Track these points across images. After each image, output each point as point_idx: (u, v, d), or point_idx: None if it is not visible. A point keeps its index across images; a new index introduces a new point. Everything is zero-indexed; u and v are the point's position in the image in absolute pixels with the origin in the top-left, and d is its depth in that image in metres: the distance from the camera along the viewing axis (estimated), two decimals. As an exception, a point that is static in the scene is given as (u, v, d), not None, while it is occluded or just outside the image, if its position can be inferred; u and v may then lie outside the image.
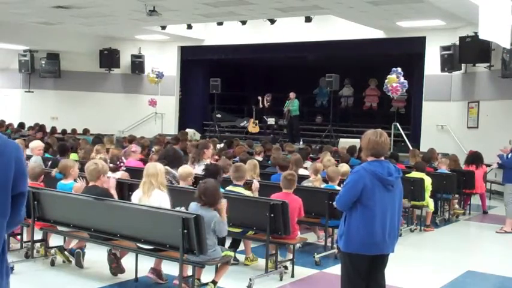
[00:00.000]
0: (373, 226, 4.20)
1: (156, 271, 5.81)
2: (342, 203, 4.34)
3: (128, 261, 6.07)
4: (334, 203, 4.53)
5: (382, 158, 4.35)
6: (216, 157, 9.75)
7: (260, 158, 10.65)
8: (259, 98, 19.78)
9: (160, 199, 5.64)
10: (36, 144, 9.44)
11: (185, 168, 6.92)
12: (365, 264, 4.30)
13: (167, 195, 5.72)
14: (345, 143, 14.68)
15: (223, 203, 5.39)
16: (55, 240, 6.75)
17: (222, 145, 12.40)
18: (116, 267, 5.96)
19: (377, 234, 4.22)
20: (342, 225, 4.38)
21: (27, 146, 10.24)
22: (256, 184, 6.77)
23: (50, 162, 9.12)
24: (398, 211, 4.41)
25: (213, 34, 18.53)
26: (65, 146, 10.06)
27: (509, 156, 9.44)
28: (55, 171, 6.98)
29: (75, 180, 6.63)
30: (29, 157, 9.16)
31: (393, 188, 4.29)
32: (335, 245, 6.76)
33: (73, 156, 10.05)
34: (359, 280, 4.33)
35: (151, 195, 5.65)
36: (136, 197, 5.79)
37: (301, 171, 8.69)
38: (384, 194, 4.23)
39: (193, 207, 5.38)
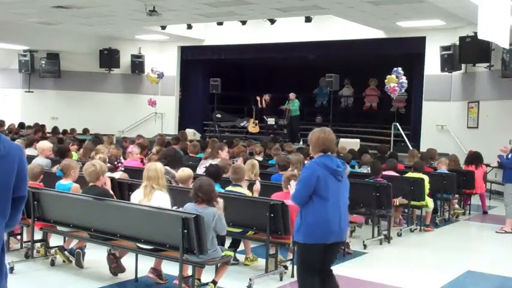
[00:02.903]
0: (329, 215, 4.51)
1: (156, 271, 5.81)
2: (300, 198, 4.61)
3: (127, 261, 6.08)
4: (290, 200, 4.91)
5: (329, 153, 4.69)
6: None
7: (260, 158, 10.65)
8: (258, 98, 19.73)
9: (160, 200, 5.63)
10: (46, 146, 9.12)
11: (184, 172, 6.90)
12: (321, 253, 4.58)
13: (168, 195, 5.72)
14: (345, 143, 14.68)
15: (220, 202, 5.41)
16: (55, 240, 6.75)
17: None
18: (115, 267, 5.96)
19: (333, 222, 4.54)
20: (298, 219, 4.65)
21: (26, 146, 10.19)
22: (257, 186, 6.81)
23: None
24: (347, 201, 4.77)
25: (213, 34, 18.52)
26: (63, 149, 9.49)
27: (510, 156, 9.44)
28: (56, 168, 6.97)
29: (74, 181, 6.61)
30: (30, 157, 9.12)
31: (342, 179, 4.64)
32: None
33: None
34: (314, 268, 4.61)
35: (152, 198, 5.64)
36: (136, 198, 5.78)
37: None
38: (335, 184, 4.58)
39: (190, 207, 5.37)
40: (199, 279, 5.53)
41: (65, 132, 16.39)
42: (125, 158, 9.11)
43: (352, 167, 10.07)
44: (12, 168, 2.77)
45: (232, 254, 6.32)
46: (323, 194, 4.51)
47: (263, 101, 19.61)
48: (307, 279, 4.64)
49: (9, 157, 2.77)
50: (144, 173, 5.81)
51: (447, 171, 10.23)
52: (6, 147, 2.75)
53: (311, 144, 4.75)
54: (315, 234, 4.52)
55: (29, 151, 10.18)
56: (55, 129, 16.43)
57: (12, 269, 5.95)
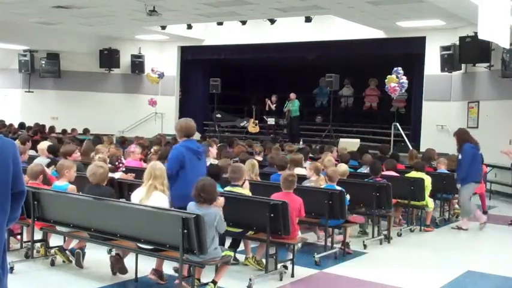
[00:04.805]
0: (191, 185, 5.48)
1: (157, 272, 5.79)
2: (170, 171, 5.88)
3: (128, 261, 6.07)
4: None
5: (192, 138, 6.10)
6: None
7: (260, 158, 10.64)
8: (268, 102, 19.49)
9: (159, 201, 5.60)
10: (46, 146, 9.13)
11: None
12: None
13: (166, 198, 5.71)
14: (345, 143, 14.68)
15: (221, 200, 5.41)
16: (55, 240, 6.75)
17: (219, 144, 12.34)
18: (121, 268, 5.92)
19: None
20: (172, 189, 5.85)
21: (22, 144, 10.14)
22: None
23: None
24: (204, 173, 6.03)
25: (213, 34, 18.53)
26: (55, 148, 9.28)
27: (460, 157, 9.40)
28: (51, 169, 6.94)
29: (70, 182, 6.58)
30: (31, 158, 9.10)
31: (202, 157, 6.13)
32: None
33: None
34: None
35: (151, 196, 5.63)
36: (137, 197, 5.76)
37: (300, 171, 8.64)
38: (196, 162, 5.99)
39: (192, 207, 5.38)
40: (199, 279, 5.53)
41: (64, 132, 16.38)
42: (125, 158, 9.10)
43: (353, 167, 10.04)
44: (8, 164, 2.77)
45: (232, 254, 6.32)
46: (186, 170, 5.85)
47: (271, 105, 19.44)
48: None
49: (3, 154, 2.76)
50: (149, 171, 5.74)
51: (447, 171, 10.22)
52: None
53: (177, 131, 6.13)
54: (181, 200, 5.63)
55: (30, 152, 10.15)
56: (51, 129, 16.41)
57: (12, 269, 5.95)
